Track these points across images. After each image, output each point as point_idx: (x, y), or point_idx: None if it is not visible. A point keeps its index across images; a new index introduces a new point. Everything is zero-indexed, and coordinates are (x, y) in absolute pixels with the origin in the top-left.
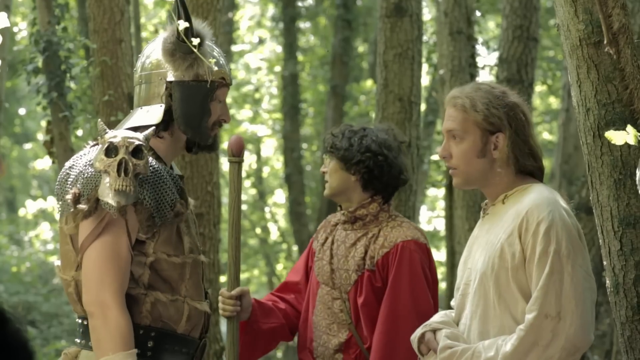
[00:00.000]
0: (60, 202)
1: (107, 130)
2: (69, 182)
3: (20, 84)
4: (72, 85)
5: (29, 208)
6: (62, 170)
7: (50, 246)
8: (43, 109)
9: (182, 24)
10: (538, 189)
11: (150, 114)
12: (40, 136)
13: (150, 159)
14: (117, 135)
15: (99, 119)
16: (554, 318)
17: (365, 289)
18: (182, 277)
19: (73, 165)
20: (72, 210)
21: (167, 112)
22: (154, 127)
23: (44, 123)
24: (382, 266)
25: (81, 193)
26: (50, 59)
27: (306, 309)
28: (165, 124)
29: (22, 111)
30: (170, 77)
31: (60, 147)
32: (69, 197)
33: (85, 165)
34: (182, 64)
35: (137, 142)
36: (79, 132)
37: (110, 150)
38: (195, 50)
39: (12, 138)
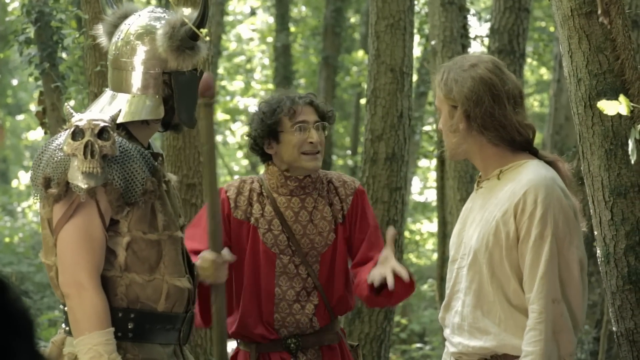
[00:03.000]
0: (34, 187)
1: (74, 113)
2: (41, 167)
3: (12, 55)
4: (64, 56)
5: (21, 179)
6: (35, 156)
7: None
8: (35, 80)
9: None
10: (535, 167)
11: (147, 102)
12: (33, 107)
13: (120, 139)
14: (82, 118)
15: (66, 104)
16: (560, 301)
17: (340, 243)
18: (160, 256)
19: (44, 150)
20: (43, 194)
21: (166, 102)
22: (120, 110)
23: (36, 94)
24: (350, 215)
25: (51, 177)
26: (42, 30)
27: (255, 282)
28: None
29: (14, 82)
30: (170, 68)
31: (53, 117)
32: (40, 181)
33: (55, 150)
34: (187, 59)
35: (102, 124)
36: (71, 103)
37: (77, 134)
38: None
39: (4, 109)
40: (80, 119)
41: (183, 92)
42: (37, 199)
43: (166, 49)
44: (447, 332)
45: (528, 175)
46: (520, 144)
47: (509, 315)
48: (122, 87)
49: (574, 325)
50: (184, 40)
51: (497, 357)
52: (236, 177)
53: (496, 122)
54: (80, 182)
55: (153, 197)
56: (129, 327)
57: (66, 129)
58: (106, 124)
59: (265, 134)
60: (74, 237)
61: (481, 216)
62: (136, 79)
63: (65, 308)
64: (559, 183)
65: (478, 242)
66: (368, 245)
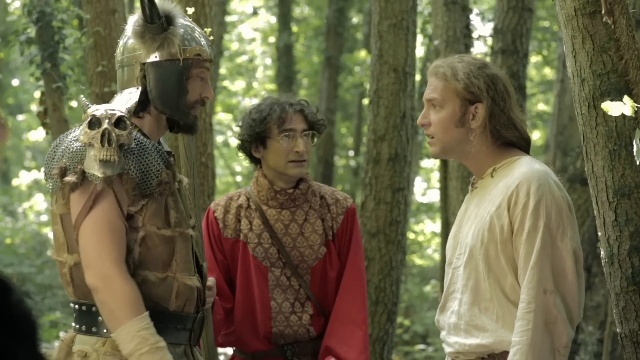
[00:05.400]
0: (48, 181)
1: (89, 105)
2: (56, 159)
3: (12, 55)
4: (66, 56)
5: (22, 179)
6: (49, 149)
7: (44, 217)
8: (36, 80)
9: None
10: (528, 162)
11: (132, 96)
12: (34, 107)
13: (135, 132)
14: (99, 108)
15: (81, 96)
16: (552, 292)
17: (332, 256)
18: (173, 253)
19: (59, 143)
20: (59, 185)
21: (144, 94)
22: (136, 101)
23: (37, 94)
24: (341, 234)
25: (67, 167)
26: (43, 30)
27: (249, 298)
28: (142, 105)
29: (15, 82)
30: (144, 59)
31: (54, 118)
32: (55, 171)
33: (71, 141)
34: (152, 45)
35: (118, 114)
36: (73, 103)
37: (94, 123)
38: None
39: (5, 109)
40: (97, 109)
41: (157, 81)
42: (50, 192)
43: (132, 34)
44: (443, 333)
45: (521, 169)
46: (511, 141)
47: (506, 311)
48: (121, 84)
49: (569, 317)
50: (145, 25)
51: (494, 356)
52: (238, 178)
53: (507, 118)
54: (96, 171)
55: (168, 189)
56: None
57: (81, 123)
58: (122, 114)
59: (253, 139)
60: (95, 229)
61: (476, 214)
62: (124, 75)
63: (75, 306)
64: (552, 176)
65: (473, 238)
66: (347, 270)
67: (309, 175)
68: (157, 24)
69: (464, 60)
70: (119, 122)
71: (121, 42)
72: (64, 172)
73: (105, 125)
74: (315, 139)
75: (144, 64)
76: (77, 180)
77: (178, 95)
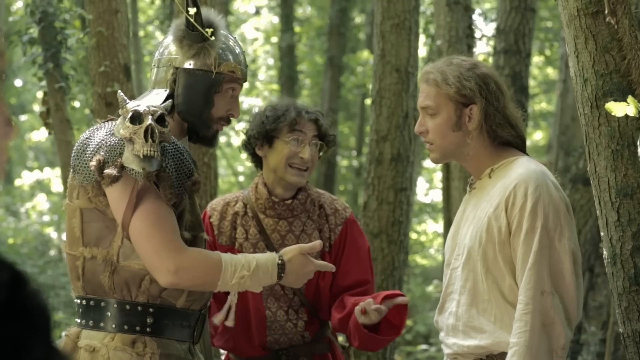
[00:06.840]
0: (77, 174)
1: (128, 100)
2: (88, 153)
3: (15, 55)
4: (68, 56)
5: (25, 179)
6: (78, 143)
7: (47, 218)
8: (39, 80)
9: (191, 11)
10: (525, 162)
11: (158, 97)
12: (36, 107)
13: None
14: (140, 104)
15: (119, 91)
16: (549, 293)
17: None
18: None
19: (90, 136)
20: (95, 178)
21: (171, 97)
22: (170, 100)
23: (40, 94)
24: (337, 246)
25: (105, 160)
26: (46, 30)
27: (244, 307)
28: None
29: (18, 82)
30: (179, 64)
31: (57, 118)
32: (93, 163)
33: (107, 135)
34: (188, 52)
35: (160, 111)
36: (76, 103)
37: (135, 118)
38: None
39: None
40: (137, 104)
41: (185, 88)
42: (73, 186)
43: (172, 40)
44: (441, 334)
45: (518, 170)
46: (508, 140)
47: (504, 312)
48: (152, 83)
49: (567, 318)
50: (186, 31)
51: (492, 357)
52: (240, 178)
53: (503, 117)
54: (136, 166)
55: (199, 187)
56: (148, 321)
57: (105, 121)
58: (163, 112)
59: (261, 136)
60: (145, 226)
61: (474, 215)
62: (156, 75)
63: (81, 302)
64: (550, 176)
65: (471, 239)
66: (352, 277)
67: (308, 182)
68: (197, 32)
69: (453, 63)
70: (159, 119)
71: (163, 42)
72: (102, 165)
73: (149, 121)
74: (322, 153)
75: (177, 68)
76: (117, 173)
77: (203, 106)
